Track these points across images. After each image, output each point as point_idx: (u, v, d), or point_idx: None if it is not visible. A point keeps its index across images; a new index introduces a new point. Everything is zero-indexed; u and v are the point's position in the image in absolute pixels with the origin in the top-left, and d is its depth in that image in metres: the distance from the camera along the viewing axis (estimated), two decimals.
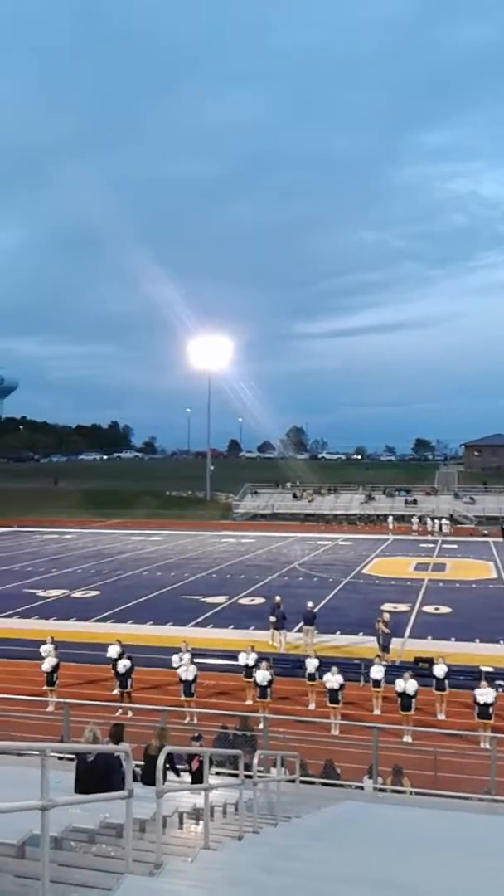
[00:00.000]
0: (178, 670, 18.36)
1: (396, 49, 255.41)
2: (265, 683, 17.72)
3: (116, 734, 9.01)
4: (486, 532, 58.72)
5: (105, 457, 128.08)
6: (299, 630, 23.95)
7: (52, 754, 4.72)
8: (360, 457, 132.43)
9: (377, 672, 18.23)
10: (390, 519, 62.11)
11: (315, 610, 24.23)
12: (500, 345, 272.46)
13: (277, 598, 25.63)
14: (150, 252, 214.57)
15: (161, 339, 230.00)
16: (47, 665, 18.94)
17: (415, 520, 61.67)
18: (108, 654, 19.54)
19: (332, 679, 17.38)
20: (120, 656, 19.07)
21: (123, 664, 18.69)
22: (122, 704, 17.70)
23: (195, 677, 18.09)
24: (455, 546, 51.30)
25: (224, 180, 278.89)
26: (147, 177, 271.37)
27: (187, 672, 18.05)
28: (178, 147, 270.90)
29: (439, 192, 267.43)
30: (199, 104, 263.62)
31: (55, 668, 18.98)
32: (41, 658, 19.27)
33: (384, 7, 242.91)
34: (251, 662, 18.84)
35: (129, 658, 18.99)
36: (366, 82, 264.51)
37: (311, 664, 18.87)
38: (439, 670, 17.93)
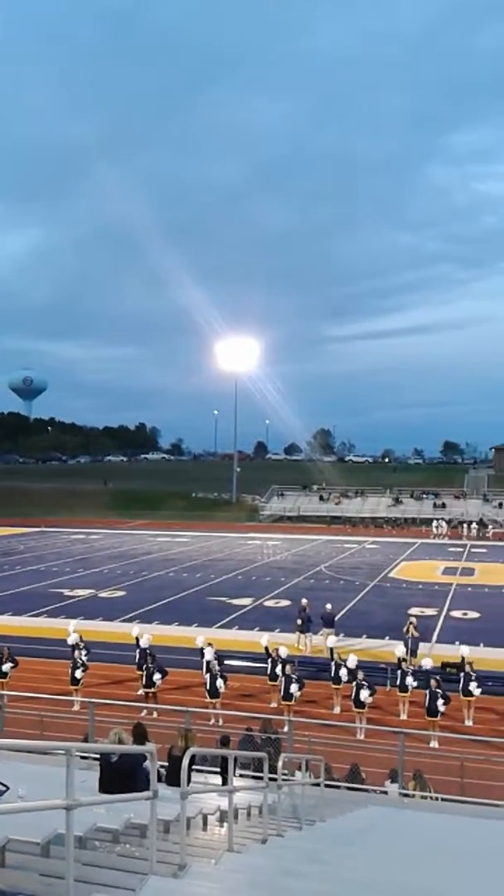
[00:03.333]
0: (205, 668, 18.37)
1: (425, 51, 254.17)
2: (293, 690, 17.62)
3: (140, 734, 9.04)
4: None
5: (130, 458, 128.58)
6: (321, 633, 23.85)
7: (77, 754, 4.73)
8: (387, 460, 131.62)
9: (404, 677, 18.10)
10: (434, 524, 61.21)
11: (333, 611, 24.15)
12: None
13: (304, 600, 25.56)
14: (179, 254, 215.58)
15: (189, 342, 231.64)
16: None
17: (435, 524, 61.07)
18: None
19: (356, 683, 17.28)
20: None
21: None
22: (147, 705, 17.75)
23: (225, 679, 18.09)
24: (484, 550, 50.81)
25: (253, 183, 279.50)
26: (176, 179, 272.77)
27: (214, 676, 18.06)
28: (206, 150, 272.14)
29: (472, 193, 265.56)
30: (228, 107, 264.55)
31: (81, 667, 19.10)
32: (70, 650, 19.47)
33: (411, 10, 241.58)
34: (279, 660, 18.78)
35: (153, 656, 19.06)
36: (394, 85, 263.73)
37: (335, 667, 18.77)
38: (466, 677, 17.72)
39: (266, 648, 19.49)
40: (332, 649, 19.41)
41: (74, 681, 18.98)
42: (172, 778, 7.99)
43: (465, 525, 60.99)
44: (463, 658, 18.38)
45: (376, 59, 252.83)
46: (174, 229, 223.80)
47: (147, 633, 20.50)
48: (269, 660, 19.08)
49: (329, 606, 24.22)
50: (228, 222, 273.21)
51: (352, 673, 17.93)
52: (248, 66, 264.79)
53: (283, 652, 19.19)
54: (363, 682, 17.27)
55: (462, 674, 17.89)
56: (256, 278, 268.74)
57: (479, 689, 17.59)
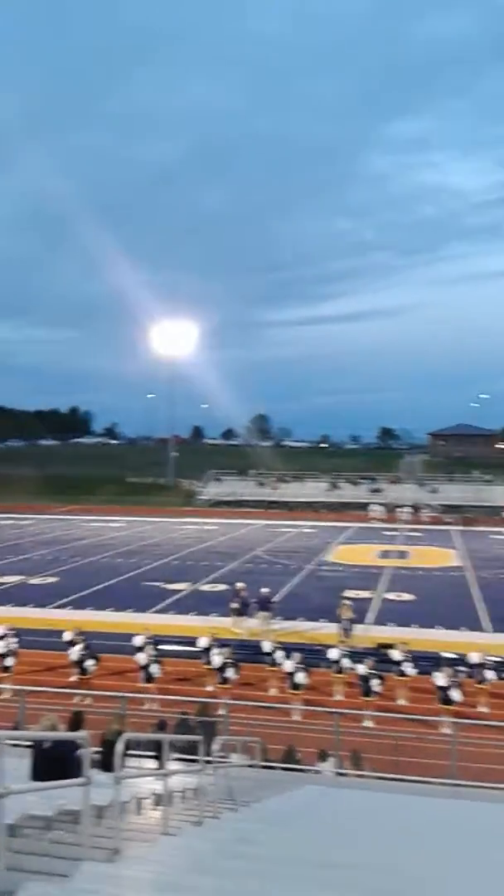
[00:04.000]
0: (138, 657, 18.21)
1: (365, 37, 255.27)
2: (227, 668, 17.65)
3: (75, 721, 8.87)
4: (449, 520, 59.42)
5: (63, 442, 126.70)
6: (258, 616, 23.93)
7: (7, 742, 4.57)
8: (324, 445, 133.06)
9: (339, 657, 18.29)
10: (371, 508, 62.06)
11: (270, 595, 24.26)
12: (466, 335, 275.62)
13: (239, 584, 25.58)
14: (114, 236, 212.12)
15: (124, 324, 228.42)
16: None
17: (373, 507, 62.05)
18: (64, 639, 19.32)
19: (292, 665, 17.38)
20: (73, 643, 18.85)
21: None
22: (81, 691, 17.51)
23: (159, 664, 17.99)
24: (418, 534, 51.80)
25: (191, 165, 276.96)
26: (111, 159, 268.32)
27: (151, 661, 17.93)
28: (143, 130, 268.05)
29: (408, 182, 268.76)
30: (164, 87, 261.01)
31: (10, 654, 18.72)
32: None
33: None
34: (211, 648, 18.75)
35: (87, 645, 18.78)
36: (333, 70, 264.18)
37: (271, 649, 18.83)
38: (400, 656, 18.01)
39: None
40: (268, 632, 19.47)
41: (4, 668, 18.58)
42: (107, 763, 7.86)
43: (399, 509, 62.03)
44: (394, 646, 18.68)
45: (316, 44, 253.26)
46: (109, 210, 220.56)
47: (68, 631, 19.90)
48: (206, 644, 19.03)
49: (266, 590, 24.32)
50: (165, 204, 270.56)
51: (288, 655, 18.02)
52: (185, 45, 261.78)
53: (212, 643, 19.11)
54: (299, 665, 17.38)
55: (396, 654, 18.15)
56: (193, 261, 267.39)
57: (415, 671, 17.90)
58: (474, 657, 17.80)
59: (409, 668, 17.90)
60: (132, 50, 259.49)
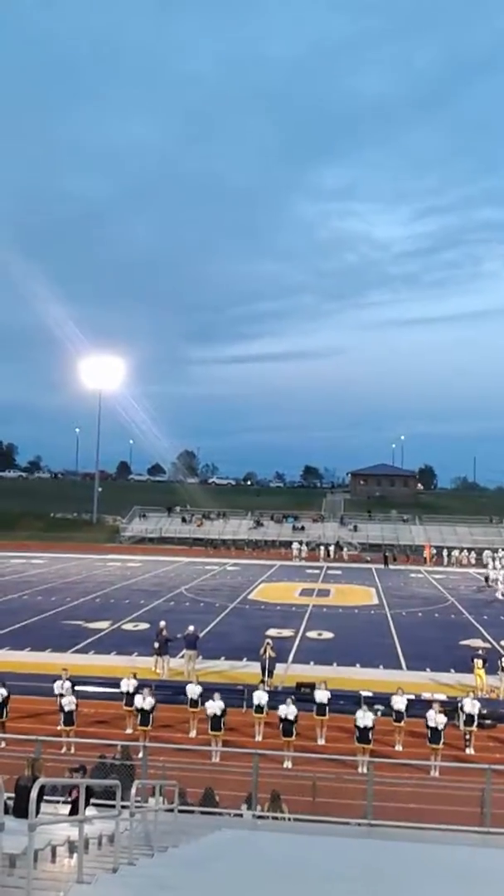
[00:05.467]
0: (62, 700, 17.79)
1: (295, 86, 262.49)
2: (148, 709, 17.44)
3: None
4: (368, 559, 60.35)
5: None
6: (182, 656, 23.76)
7: None
8: (249, 482, 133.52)
9: (260, 698, 18.32)
10: (294, 546, 62.55)
11: (196, 633, 24.15)
12: (388, 378, 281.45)
13: (162, 623, 25.37)
14: (42, 269, 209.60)
15: (50, 356, 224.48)
16: None
17: (295, 545, 62.62)
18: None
19: (214, 706, 17.32)
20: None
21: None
22: None
23: (76, 707, 17.63)
24: (339, 572, 52.42)
25: (120, 202, 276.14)
26: (39, 193, 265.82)
27: (69, 702, 17.56)
28: (72, 166, 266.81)
29: (333, 229, 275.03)
30: (97, 124, 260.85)
31: None
32: None
33: (284, 45, 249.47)
34: (132, 689, 18.51)
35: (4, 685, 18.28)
36: (264, 117, 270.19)
37: (193, 690, 18.70)
38: (320, 696, 18.16)
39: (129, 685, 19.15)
40: (190, 672, 19.36)
41: None
42: (20, 809, 7.70)
43: (322, 547, 62.71)
44: (315, 685, 18.84)
45: (245, 89, 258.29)
46: (36, 243, 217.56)
47: None
48: (126, 685, 18.77)
49: (192, 628, 24.18)
50: (93, 239, 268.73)
51: (209, 695, 17.94)
52: (116, 83, 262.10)
53: (133, 684, 18.88)
54: (220, 706, 17.32)
55: (315, 693, 18.28)
56: (122, 297, 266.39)
57: (328, 705, 18.06)
58: (396, 700, 17.99)
59: (327, 708, 18.03)
60: (62, 85, 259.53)
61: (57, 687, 18.41)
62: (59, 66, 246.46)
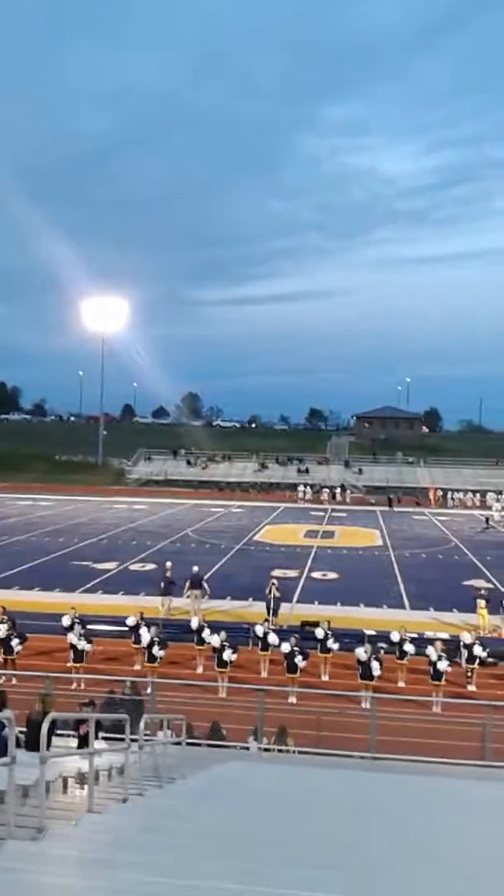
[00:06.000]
0: (69, 637, 18.15)
1: (302, 19, 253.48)
2: (158, 648, 17.75)
3: None
4: (373, 501, 60.65)
5: None
6: (188, 595, 24.07)
7: None
8: (254, 425, 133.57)
9: (263, 633, 18.61)
10: (299, 489, 62.89)
11: (200, 573, 24.44)
12: (394, 320, 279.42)
13: (168, 563, 25.64)
14: (45, 210, 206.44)
15: (53, 299, 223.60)
16: None
17: (301, 488, 62.94)
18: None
19: (218, 639, 17.63)
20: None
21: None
22: (6, 672, 17.36)
23: (91, 644, 17.98)
24: (344, 514, 52.75)
25: (124, 140, 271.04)
26: (43, 132, 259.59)
27: (82, 642, 17.92)
28: (77, 104, 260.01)
29: (341, 165, 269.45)
30: (103, 62, 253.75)
31: None
32: None
33: None
34: (136, 624, 18.79)
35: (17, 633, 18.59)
36: (271, 52, 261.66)
37: (197, 625, 19.00)
38: (322, 633, 18.44)
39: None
40: (196, 610, 19.64)
41: None
42: (32, 743, 7.88)
43: (326, 490, 62.98)
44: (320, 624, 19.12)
45: (251, 23, 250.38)
46: (40, 184, 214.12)
47: None
48: (134, 623, 19.06)
49: (196, 568, 24.46)
50: (97, 179, 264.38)
51: (216, 633, 18.23)
52: (121, 20, 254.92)
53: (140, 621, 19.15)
54: (225, 643, 17.62)
55: (320, 631, 18.57)
56: (125, 237, 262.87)
57: (337, 645, 18.36)
58: (395, 634, 18.36)
59: (332, 644, 18.34)
60: (66, 23, 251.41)
61: (65, 620, 18.71)
62: (66, 4, 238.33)
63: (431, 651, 17.00)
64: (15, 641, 18.19)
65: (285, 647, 17.42)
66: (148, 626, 18.62)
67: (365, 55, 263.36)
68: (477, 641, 18.21)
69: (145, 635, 18.09)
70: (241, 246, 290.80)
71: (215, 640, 17.76)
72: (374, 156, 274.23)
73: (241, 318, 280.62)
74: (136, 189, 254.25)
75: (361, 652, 16.88)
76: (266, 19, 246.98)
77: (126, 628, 19.27)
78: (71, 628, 18.41)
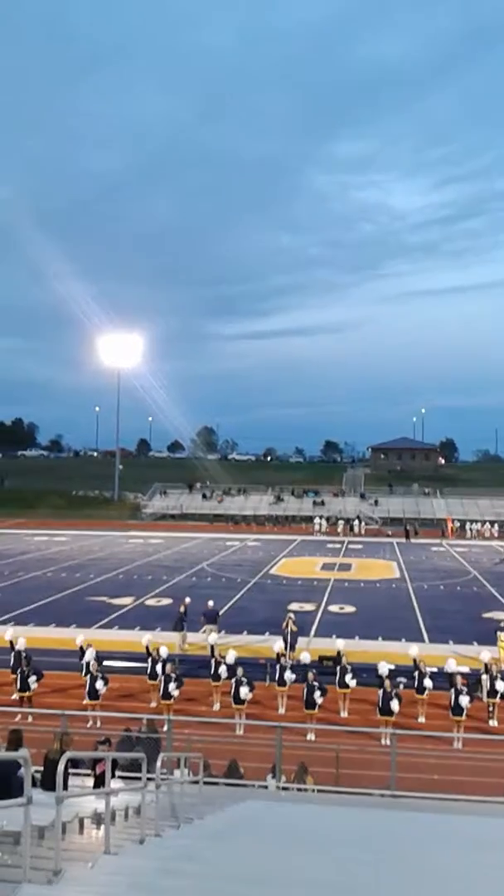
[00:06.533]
0: (84, 669, 18.10)
1: (312, 56, 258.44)
2: (174, 684, 17.61)
3: (15, 740, 8.80)
4: (389, 533, 60.31)
5: (6, 455, 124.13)
6: (203, 631, 23.93)
7: None
8: (269, 458, 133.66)
9: (281, 669, 18.44)
10: (315, 521, 62.82)
11: (216, 608, 24.32)
12: (407, 351, 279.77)
13: (187, 599, 25.53)
14: (60, 245, 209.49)
15: (70, 335, 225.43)
16: None
17: (317, 520, 62.78)
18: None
19: (235, 679, 17.47)
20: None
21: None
22: (22, 709, 17.28)
23: (106, 681, 17.90)
24: (360, 546, 52.45)
25: (136, 176, 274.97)
26: (56, 168, 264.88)
27: (96, 678, 17.85)
28: (88, 141, 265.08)
29: (350, 200, 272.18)
30: (110, 98, 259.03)
31: None
32: None
33: (300, 14, 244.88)
34: (158, 662, 18.69)
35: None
36: (281, 88, 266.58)
37: (214, 664, 18.86)
38: (341, 668, 18.23)
39: (147, 648, 19.37)
40: (212, 646, 19.50)
41: None
42: (49, 783, 7.82)
43: (341, 522, 62.73)
44: (339, 652, 18.92)
45: (261, 60, 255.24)
46: (54, 219, 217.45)
47: (22, 637, 19.94)
48: (150, 659, 18.97)
49: (211, 603, 24.34)
50: (110, 215, 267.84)
51: (231, 669, 18.09)
52: (132, 57, 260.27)
53: (164, 651, 19.10)
54: (242, 679, 17.46)
55: (338, 667, 18.37)
56: (139, 273, 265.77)
57: (354, 681, 18.14)
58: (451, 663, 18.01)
59: (350, 680, 18.11)
60: (79, 59, 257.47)
61: (85, 654, 18.65)
62: (76, 42, 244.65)
63: (452, 689, 16.72)
64: (31, 678, 18.13)
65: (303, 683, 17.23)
66: (164, 663, 18.48)
67: (373, 91, 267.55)
68: (499, 675, 17.93)
69: (160, 673, 17.97)
70: (253, 281, 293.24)
71: (232, 679, 17.57)
72: (383, 190, 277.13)
73: (255, 353, 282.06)
74: (148, 225, 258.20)
75: (384, 666, 16.77)
76: (273, 57, 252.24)
77: (142, 665, 19.15)
78: (88, 665, 18.34)
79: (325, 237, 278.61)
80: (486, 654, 18.58)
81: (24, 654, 18.78)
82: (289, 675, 18.38)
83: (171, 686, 17.55)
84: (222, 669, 18.51)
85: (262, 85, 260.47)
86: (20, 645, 19.18)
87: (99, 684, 17.66)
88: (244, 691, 17.27)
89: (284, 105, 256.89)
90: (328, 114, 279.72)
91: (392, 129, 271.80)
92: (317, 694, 17.00)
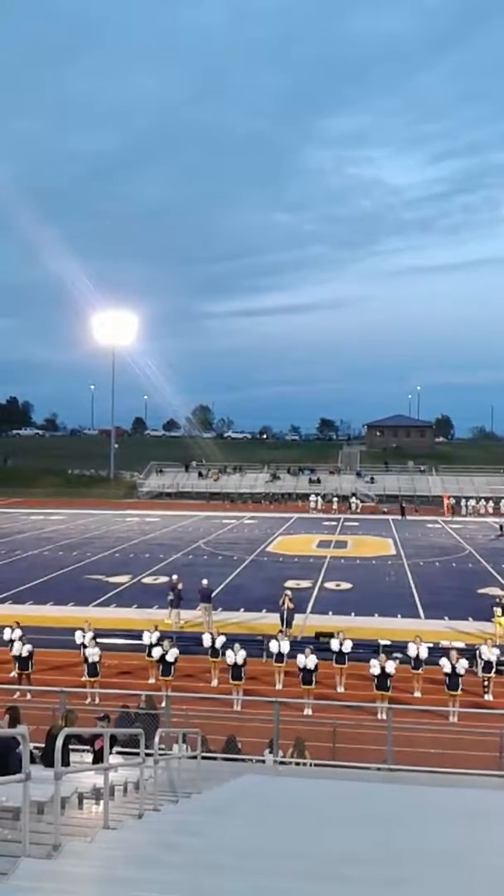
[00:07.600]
0: (86, 651, 18.17)
1: (304, 33, 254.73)
2: (171, 660, 17.70)
3: (13, 717, 8.84)
4: (385, 510, 60.46)
5: (1, 434, 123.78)
6: (199, 608, 24.01)
7: None
8: (265, 436, 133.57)
9: (279, 647, 18.53)
10: (311, 499, 63.01)
11: (210, 586, 24.38)
12: (402, 328, 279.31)
13: (175, 576, 25.52)
14: (53, 224, 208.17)
15: (64, 314, 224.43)
16: None
17: (313, 498, 62.91)
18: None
19: (235, 655, 17.55)
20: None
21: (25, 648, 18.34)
22: (21, 686, 17.37)
23: (100, 658, 17.98)
24: (356, 524, 52.59)
25: (129, 156, 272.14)
26: (49, 148, 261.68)
27: (93, 654, 17.93)
28: (81, 119, 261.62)
29: (346, 176, 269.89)
30: (102, 77, 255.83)
31: None
32: None
33: None
34: (154, 641, 18.77)
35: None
36: (274, 65, 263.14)
37: (212, 641, 18.95)
38: (337, 644, 18.34)
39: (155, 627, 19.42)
40: (209, 623, 19.59)
41: None
42: (49, 759, 7.87)
43: (336, 499, 62.86)
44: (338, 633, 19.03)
45: (253, 37, 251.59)
46: (48, 198, 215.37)
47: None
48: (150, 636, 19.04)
49: (205, 582, 24.40)
50: (104, 193, 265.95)
51: (228, 646, 18.17)
52: (124, 36, 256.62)
53: (156, 636, 19.15)
54: (240, 655, 17.53)
55: (335, 642, 18.47)
56: (133, 251, 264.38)
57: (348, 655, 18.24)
58: (411, 648, 18.19)
59: (346, 657, 18.22)
60: (70, 38, 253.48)
61: (78, 637, 18.76)
62: (66, 20, 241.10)
63: (445, 662, 16.84)
64: (27, 647, 18.19)
65: (300, 660, 17.32)
66: (161, 639, 18.56)
67: (366, 67, 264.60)
68: (496, 651, 18.05)
69: (158, 650, 18.05)
70: (248, 258, 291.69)
71: (229, 655, 17.65)
72: (377, 166, 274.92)
73: (250, 330, 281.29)
74: (142, 204, 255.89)
75: (375, 664, 16.78)
76: (266, 34, 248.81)
77: (141, 642, 19.24)
78: (84, 645, 18.42)
79: (320, 213, 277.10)
80: (485, 649, 18.49)
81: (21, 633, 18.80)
82: (285, 650, 18.47)
83: (168, 656, 17.61)
84: (219, 645, 18.61)
85: (254, 62, 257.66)
86: (17, 649, 18.99)
87: (96, 661, 17.79)
88: (237, 655, 17.31)
89: (277, 81, 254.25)
90: (322, 90, 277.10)
91: (386, 104, 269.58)
92: (311, 661, 17.07)
